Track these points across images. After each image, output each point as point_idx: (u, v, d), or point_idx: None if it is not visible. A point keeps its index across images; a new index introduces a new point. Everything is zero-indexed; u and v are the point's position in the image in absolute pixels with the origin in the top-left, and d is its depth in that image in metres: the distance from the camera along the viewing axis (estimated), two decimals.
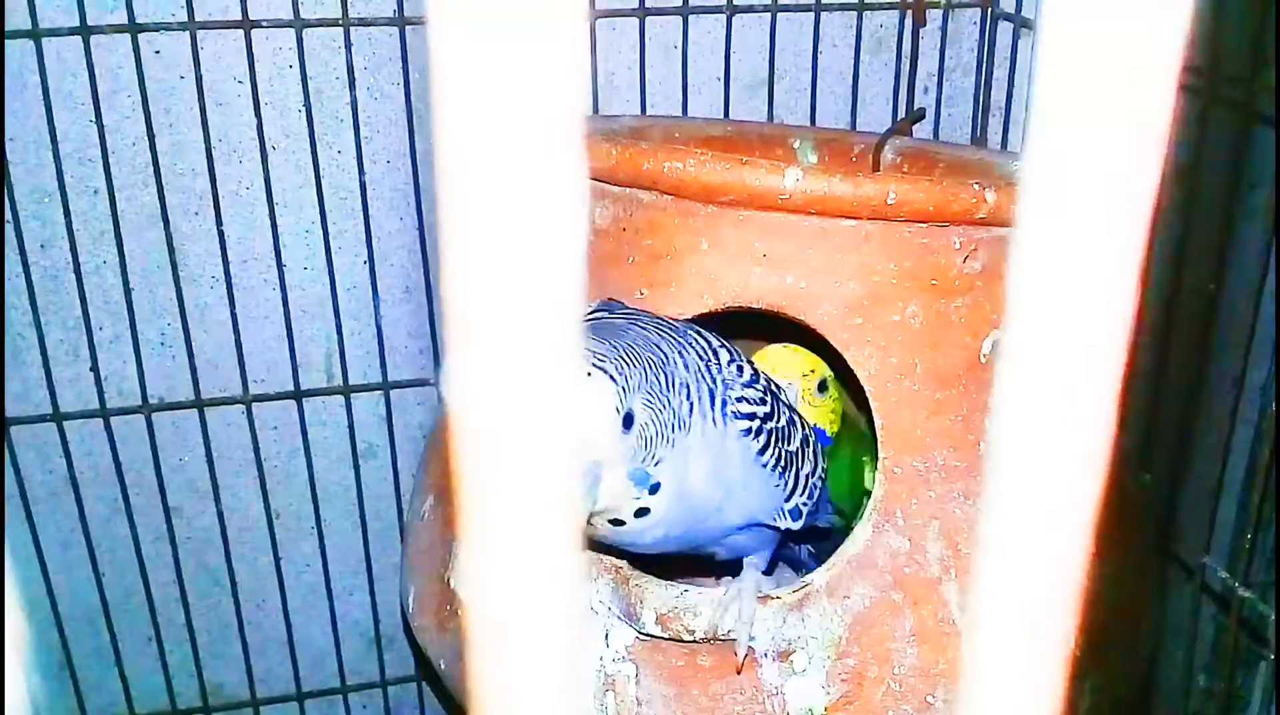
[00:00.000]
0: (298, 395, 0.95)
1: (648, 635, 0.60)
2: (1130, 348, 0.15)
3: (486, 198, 0.13)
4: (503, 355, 0.14)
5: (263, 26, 0.84)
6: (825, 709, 0.60)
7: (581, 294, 0.14)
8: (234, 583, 0.99)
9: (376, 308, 0.93)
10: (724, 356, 0.58)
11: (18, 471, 0.91)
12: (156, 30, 0.83)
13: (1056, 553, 0.16)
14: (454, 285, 0.14)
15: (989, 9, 0.95)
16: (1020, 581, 0.16)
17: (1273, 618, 0.75)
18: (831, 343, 0.63)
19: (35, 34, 0.80)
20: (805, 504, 0.61)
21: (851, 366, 0.62)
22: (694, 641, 0.59)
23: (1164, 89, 0.13)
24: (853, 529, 0.63)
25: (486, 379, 0.14)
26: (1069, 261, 0.14)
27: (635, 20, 0.90)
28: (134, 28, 0.82)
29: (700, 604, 0.58)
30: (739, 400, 0.56)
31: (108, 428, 0.91)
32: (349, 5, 0.85)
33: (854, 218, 0.61)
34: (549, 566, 0.14)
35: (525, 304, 0.14)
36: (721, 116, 0.93)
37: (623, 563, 0.62)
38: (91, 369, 0.90)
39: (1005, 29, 0.95)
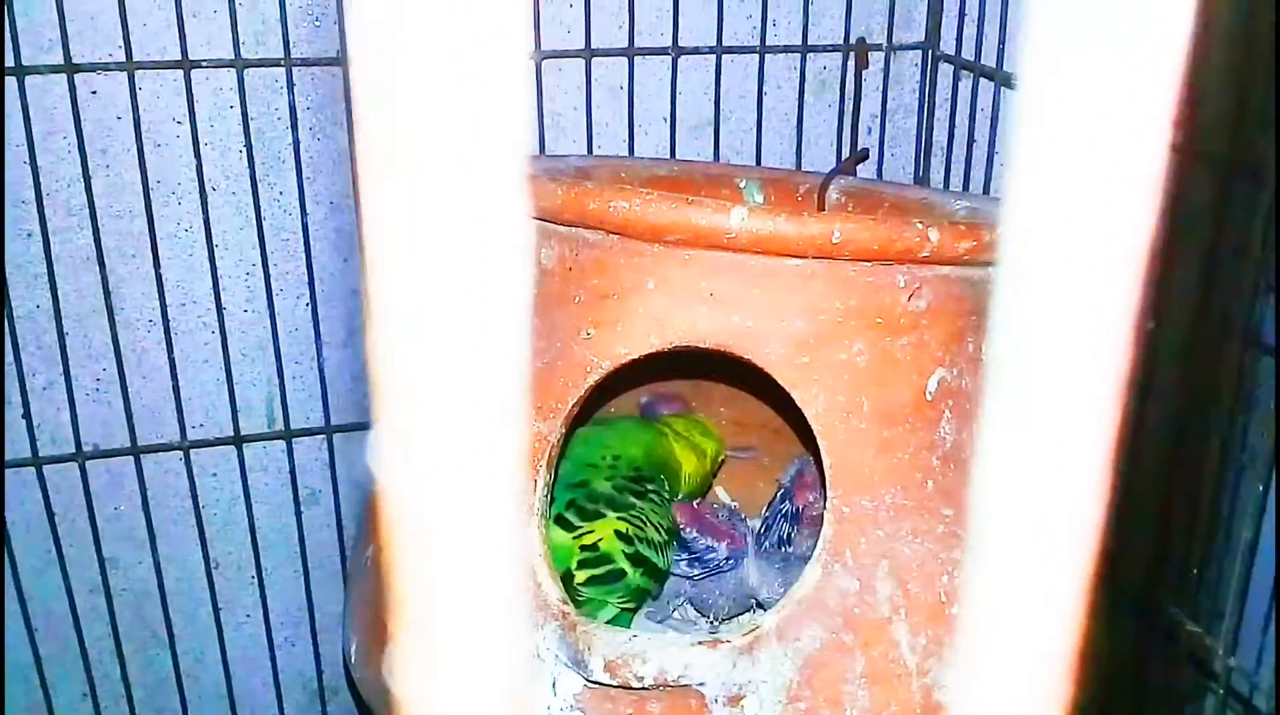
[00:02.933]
0: (238, 440, 0.93)
1: (596, 683, 0.58)
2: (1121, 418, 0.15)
3: (419, 249, 0.13)
4: (438, 427, 0.13)
5: (203, 67, 0.83)
6: None
7: (526, 355, 0.13)
8: (171, 635, 0.96)
9: (319, 350, 0.92)
10: None
11: None
12: (94, 70, 0.82)
13: (1053, 591, 0.16)
14: (382, 344, 0.13)
15: (930, 51, 0.97)
16: (1008, 663, 0.16)
17: (1220, 650, 0.76)
18: (779, 381, 0.62)
19: (19, 69, 0.79)
20: None
21: (799, 405, 0.62)
22: (643, 688, 0.58)
23: (1154, 142, 0.12)
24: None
25: (419, 457, 0.13)
26: (1052, 322, 0.13)
27: (581, 61, 0.90)
28: (70, 68, 0.80)
29: (649, 650, 0.57)
30: None
31: (40, 476, 0.88)
32: (291, 45, 0.84)
33: (800, 257, 0.61)
34: (489, 658, 0.14)
35: (463, 367, 0.13)
36: (668, 156, 0.93)
37: (569, 608, 0.61)
38: (24, 416, 0.88)
39: (946, 70, 0.96)
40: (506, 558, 0.14)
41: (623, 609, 0.70)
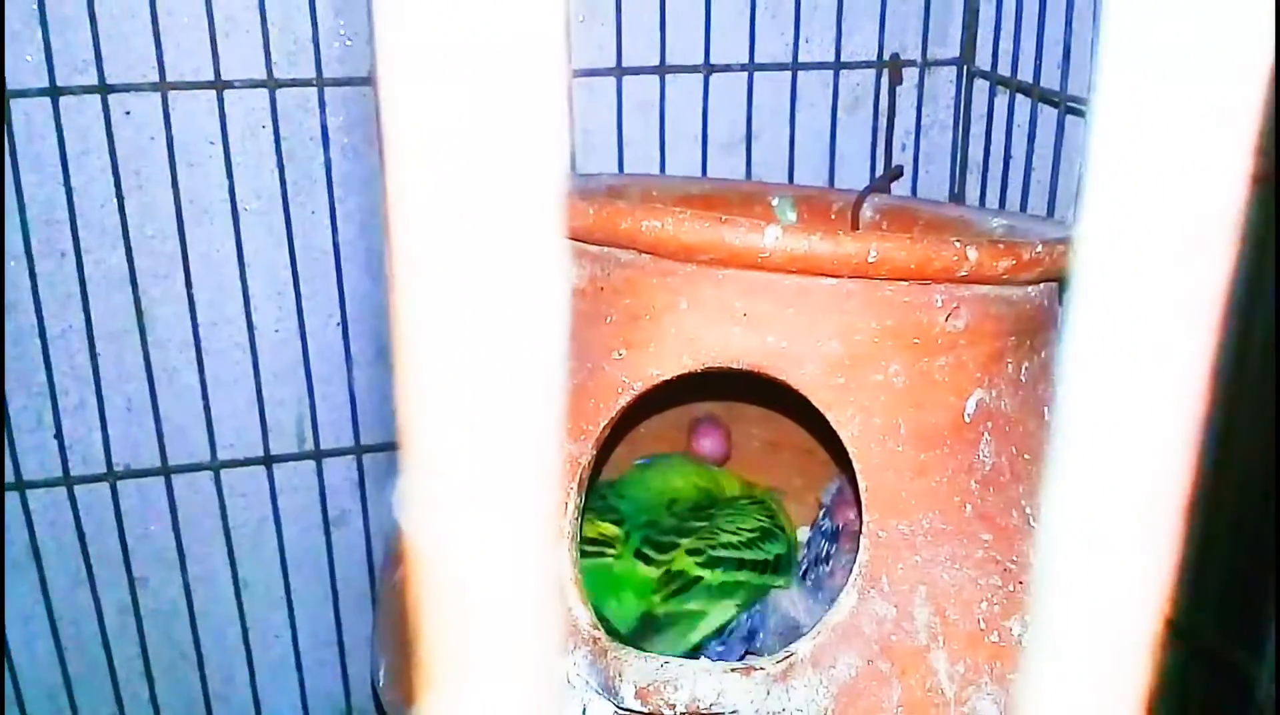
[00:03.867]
0: (268, 461, 0.92)
1: (626, 710, 0.57)
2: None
3: (450, 273, 0.12)
4: (469, 475, 0.12)
5: (235, 87, 0.83)
6: None
7: (562, 380, 0.12)
8: (200, 656, 0.96)
9: (349, 370, 0.91)
10: None
11: None
12: (127, 91, 0.82)
13: (1112, 675, 0.15)
14: (411, 384, 0.12)
15: (965, 67, 0.96)
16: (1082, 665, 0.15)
17: (1263, 678, 0.74)
18: (814, 403, 0.61)
19: (2, 95, 0.79)
20: None
21: (834, 427, 0.61)
22: None
23: (1233, 174, 0.12)
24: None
25: (449, 507, 0.12)
26: (1126, 357, 0.12)
27: (612, 79, 0.89)
28: (104, 88, 0.80)
29: (681, 677, 0.56)
30: None
31: (71, 496, 0.89)
32: (323, 65, 0.84)
33: (835, 276, 0.60)
34: (520, 696, 0.13)
35: (497, 408, 0.12)
36: (699, 175, 0.93)
37: (600, 634, 0.60)
38: (55, 436, 0.88)
39: (982, 86, 0.95)
40: (538, 592, 0.13)
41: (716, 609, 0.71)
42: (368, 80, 0.85)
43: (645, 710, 0.57)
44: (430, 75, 0.11)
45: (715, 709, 0.57)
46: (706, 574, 0.71)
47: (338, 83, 0.85)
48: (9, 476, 0.87)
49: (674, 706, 0.56)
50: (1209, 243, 0.12)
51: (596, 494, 0.76)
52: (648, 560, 0.72)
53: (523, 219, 0.12)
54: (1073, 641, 0.14)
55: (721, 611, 0.71)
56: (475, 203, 0.12)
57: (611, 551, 0.72)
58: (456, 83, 0.12)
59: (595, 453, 0.63)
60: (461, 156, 0.12)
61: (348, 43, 0.86)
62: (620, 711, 0.58)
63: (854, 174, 0.96)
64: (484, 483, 0.12)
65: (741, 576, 0.72)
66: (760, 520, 0.76)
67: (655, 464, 0.83)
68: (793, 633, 0.70)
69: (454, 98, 0.12)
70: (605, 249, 0.64)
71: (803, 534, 0.86)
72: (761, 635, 0.72)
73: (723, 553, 0.72)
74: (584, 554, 0.70)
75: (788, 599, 0.72)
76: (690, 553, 0.72)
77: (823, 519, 0.79)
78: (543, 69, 0.12)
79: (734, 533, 0.74)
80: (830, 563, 0.75)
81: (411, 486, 0.12)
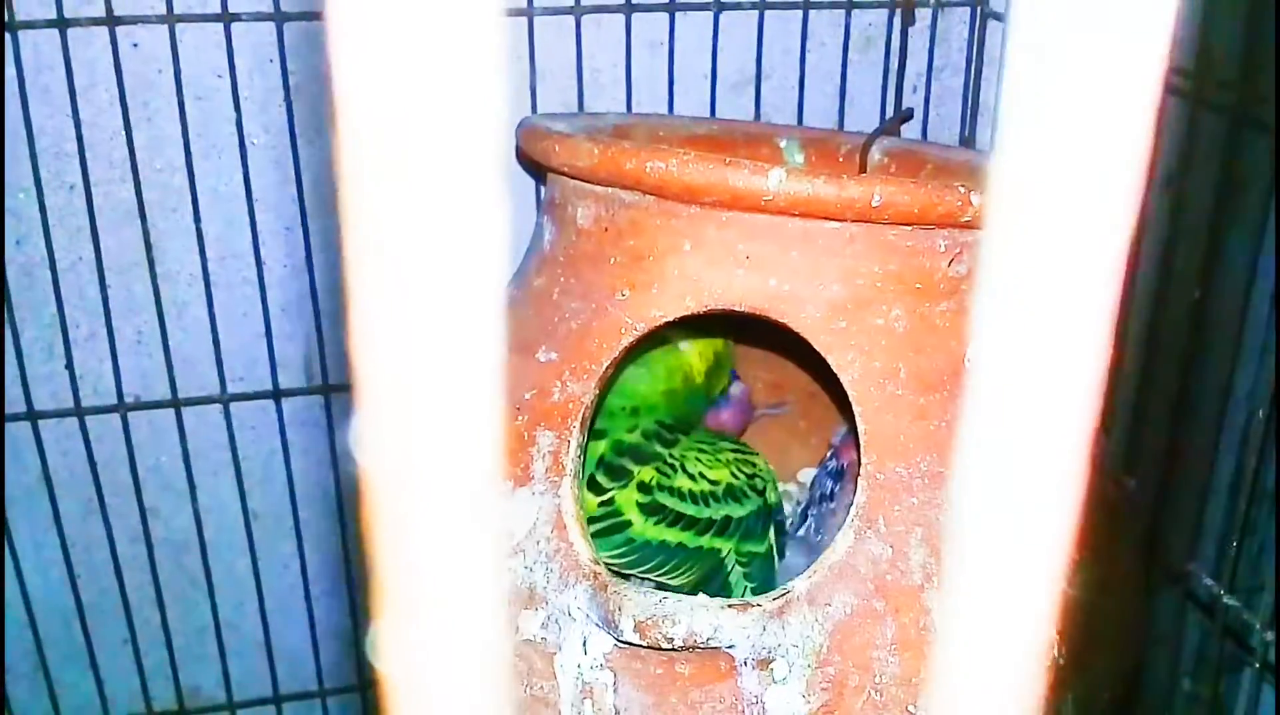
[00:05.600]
0: (276, 395, 0.93)
1: (626, 643, 0.59)
2: (1114, 352, 0.14)
3: (397, 219, 0.12)
4: (418, 408, 0.13)
5: (243, 20, 0.83)
6: None
7: (501, 328, 0.13)
8: (211, 584, 0.98)
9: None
10: None
11: None
12: (134, 23, 0.82)
13: (1034, 560, 0.15)
14: (362, 321, 0.13)
15: (979, 8, 0.95)
16: (995, 591, 0.15)
17: (1257, 625, 0.75)
18: (814, 346, 0.62)
19: (11, 26, 0.79)
20: None
21: (834, 370, 0.61)
22: (673, 649, 0.58)
23: (1146, 88, 0.12)
24: None
25: (401, 441, 0.13)
26: (1042, 263, 0.13)
27: (621, 16, 0.88)
28: (111, 20, 0.80)
29: (679, 611, 0.58)
30: None
31: (83, 426, 0.90)
32: None
33: (838, 220, 0.60)
34: (472, 638, 0.13)
35: (441, 343, 0.13)
36: (708, 115, 0.92)
37: (600, 569, 0.61)
38: (66, 367, 0.89)
39: (995, 28, 0.94)
40: (489, 534, 0.14)
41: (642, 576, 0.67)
42: None
43: (644, 643, 0.58)
44: (375, 17, 0.12)
45: (712, 643, 0.58)
46: (637, 520, 0.67)
47: None
48: (21, 406, 0.88)
49: (671, 640, 0.58)
50: (1121, 149, 0.12)
51: None
52: (598, 488, 0.67)
53: (463, 157, 0.12)
54: (982, 592, 0.15)
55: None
56: (416, 144, 0.12)
57: None
58: (400, 23, 0.12)
59: (598, 392, 0.64)
60: (404, 97, 0.12)
61: None
62: (620, 644, 0.60)
63: (864, 116, 0.96)
64: (431, 416, 0.13)
65: (671, 536, 0.67)
66: (734, 475, 0.70)
67: (644, 361, 0.75)
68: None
69: (397, 40, 0.12)
70: (610, 189, 0.64)
71: (808, 475, 0.87)
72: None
73: (667, 500, 0.68)
74: None
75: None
76: (640, 488, 0.68)
77: (829, 458, 0.80)
78: (478, 10, 0.12)
79: (693, 478, 0.69)
80: (835, 501, 0.76)
81: (365, 422, 0.13)
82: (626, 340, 0.63)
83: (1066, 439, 0.14)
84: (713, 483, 0.69)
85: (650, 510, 0.67)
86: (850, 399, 0.61)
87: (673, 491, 0.68)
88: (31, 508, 0.93)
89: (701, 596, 0.60)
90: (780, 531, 0.72)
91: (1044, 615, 0.15)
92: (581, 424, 0.63)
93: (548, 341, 0.66)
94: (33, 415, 0.88)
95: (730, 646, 0.58)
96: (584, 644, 0.61)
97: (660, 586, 0.65)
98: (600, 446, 0.69)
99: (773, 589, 0.63)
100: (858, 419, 0.61)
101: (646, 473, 0.69)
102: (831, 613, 0.59)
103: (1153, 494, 0.82)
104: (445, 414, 0.13)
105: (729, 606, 0.59)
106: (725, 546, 0.68)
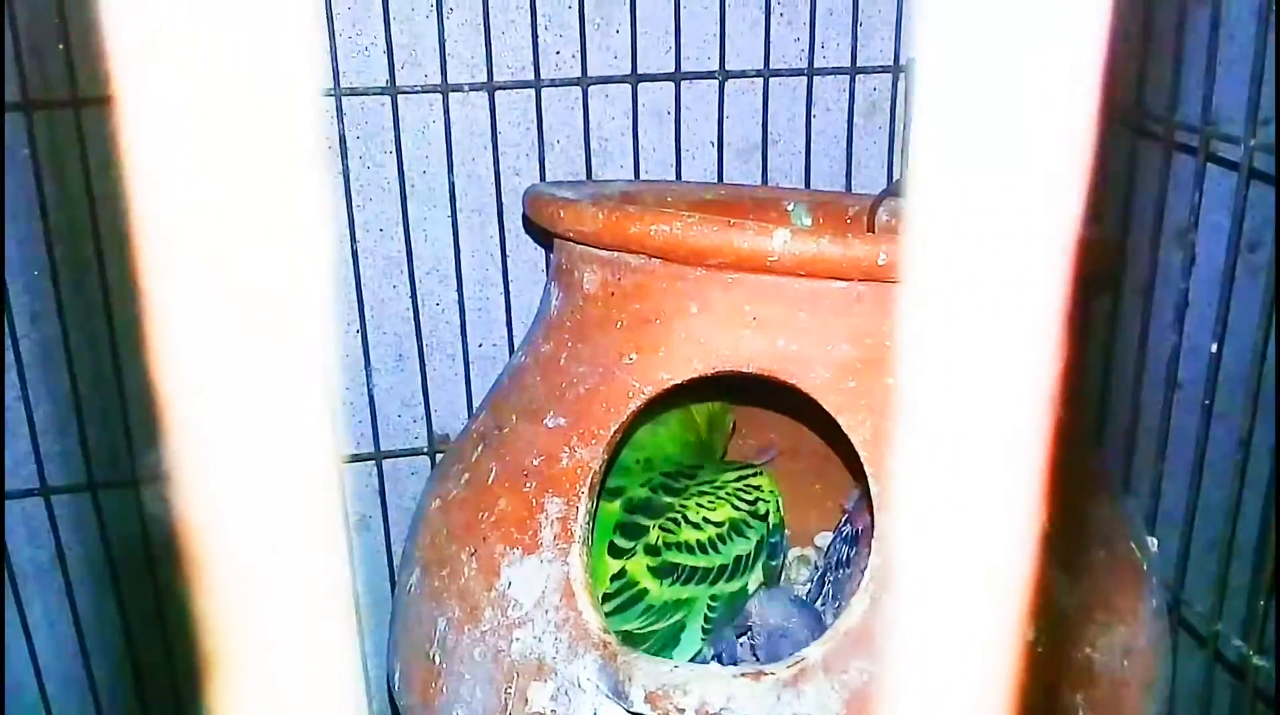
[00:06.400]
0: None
1: (636, 714, 0.57)
2: (1133, 408, 0.14)
3: (202, 206, 0.11)
4: (238, 442, 0.12)
5: None
6: None
7: (333, 337, 0.12)
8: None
9: (369, 377, 0.92)
10: None
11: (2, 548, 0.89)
12: None
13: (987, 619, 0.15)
14: (167, 351, 0.12)
15: None
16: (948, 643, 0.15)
17: None
18: (824, 407, 0.61)
19: (27, 106, 0.80)
20: None
21: (845, 431, 0.61)
22: None
23: (1069, 134, 0.12)
24: None
25: (220, 478, 0.12)
26: (962, 317, 0.12)
27: (627, 86, 0.89)
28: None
29: (691, 681, 0.56)
30: None
31: (95, 502, 0.90)
32: (340, 75, 0.85)
33: (845, 279, 0.60)
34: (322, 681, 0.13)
35: (260, 370, 0.12)
36: (715, 181, 0.93)
37: (611, 638, 0.60)
38: (80, 443, 0.89)
39: None
40: (317, 572, 0.13)
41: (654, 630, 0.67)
42: (385, 90, 0.86)
43: (655, 714, 0.57)
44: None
45: (725, 713, 0.56)
46: (653, 587, 0.67)
47: (355, 92, 0.86)
48: (35, 482, 0.88)
49: (683, 711, 0.56)
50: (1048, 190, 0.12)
51: None
52: (618, 552, 0.68)
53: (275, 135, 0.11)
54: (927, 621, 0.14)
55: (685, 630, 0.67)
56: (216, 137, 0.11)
57: None
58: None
59: (606, 457, 0.63)
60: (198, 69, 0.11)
61: (365, 53, 0.86)
62: None
63: (871, 179, 0.96)
64: (249, 451, 0.12)
65: (687, 593, 0.67)
66: (736, 508, 0.71)
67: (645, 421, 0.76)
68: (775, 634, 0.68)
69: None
70: (615, 254, 0.64)
71: (823, 539, 0.86)
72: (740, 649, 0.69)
73: (677, 558, 0.68)
74: None
75: (756, 607, 0.68)
76: (648, 551, 0.68)
77: (844, 524, 0.79)
78: None
79: (698, 526, 0.69)
80: (850, 566, 0.75)
81: (176, 460, 0.12)
82: (634, 404, 0.63)
83: (1005, 476, 0.13)
84: (717, 525, 0.70)
85: (663, 572, 0.68)
86: (862, 460, 0.60)
87: (679, 547, 0.68)
88: (46, 586, 0.93)
89: (714, 666, 0.59)
90: (773, 556, 0.72)
91: (993, 652, 0.14)
92: (590, 490, 0.63)
93: (556, 407, 0.65)
94: (46, 491, 0.88)
95: None
96: None
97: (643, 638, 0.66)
98: (614, 507, 0.70)
99: (733, 622, 0.64)
100: (870, 480, 0.60)
101: (653, 534, 0.69)
102: (848, 681, 0.58)
103: (1177, 554, 0.81)
104: (266, 448, 0.12)
105: (742, 675, 0.57)
106: (738, 585, 0.69)
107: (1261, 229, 0.93)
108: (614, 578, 0.67)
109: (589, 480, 0.62)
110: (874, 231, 0.84)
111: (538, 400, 0.67)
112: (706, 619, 0.68)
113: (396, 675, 0.70)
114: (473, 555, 0.65)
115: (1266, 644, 0.74)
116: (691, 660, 0.67)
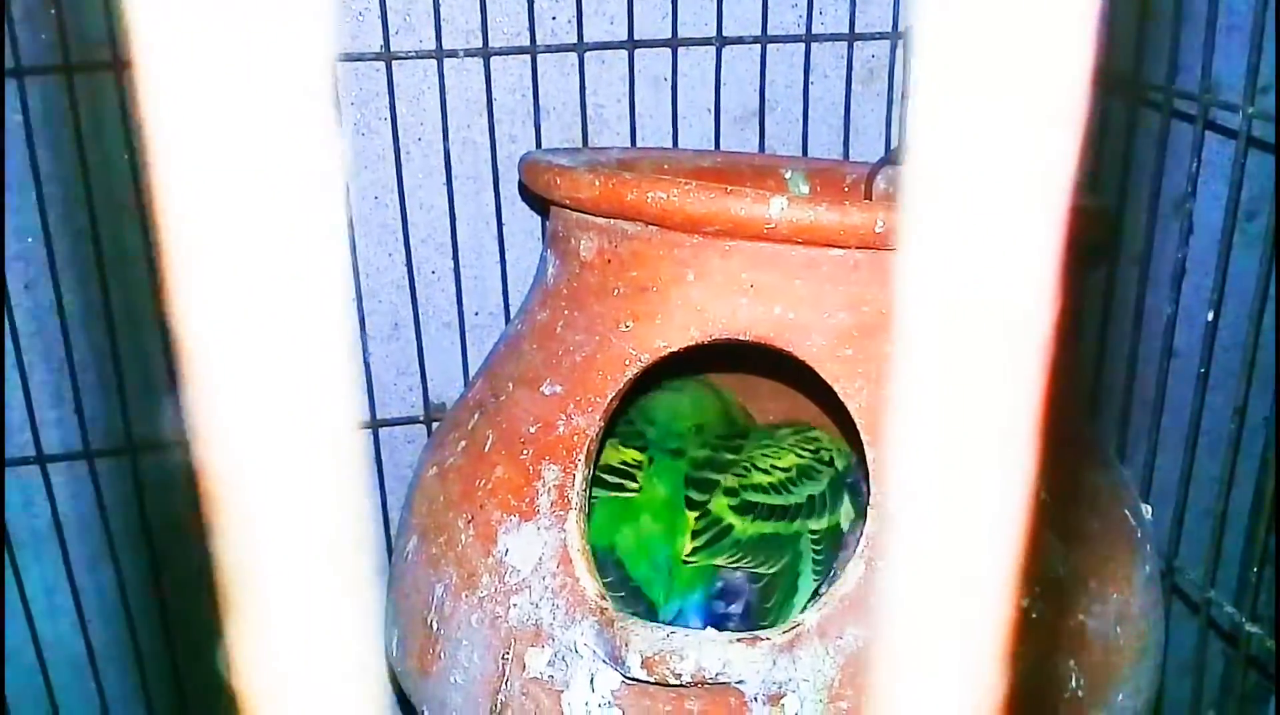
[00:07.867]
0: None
1: (633, 679, 0.58)
2: (1128, 375, 0.14)
3: (217, 169, 0.11)
4: (255, 386, 0.12)
5: None
6: None
7: (346, 292, 0.12)
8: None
9: (364, 345, 0.92)
10: None
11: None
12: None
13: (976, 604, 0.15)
14: (184, 298, 0.12)
15: None
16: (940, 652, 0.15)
17: None
18: (821, 375, 0.61)
19: (18, 71, 0.80)
20: None
21: (841, 399, 0.61)
22: (681, 686, 0.57)
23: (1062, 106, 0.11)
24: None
25: (237, 422, 0.12)
26: (961, 279, 0.12)
27: (624, 53, 0.89)
28: (117, 64, 0.81)
29: (686, 646, 0.57)
30: None
31: (92, 470, 0.90)
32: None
33: (842, 247, 0.59)
34: (325, 650, 0.13)
35: (276, 311, 0.12)
36: (712, 148, 0.92)
37: (607, 604, 0.60)
38: (76, 411, 0.89)
39: None
40: (331, 517, 0.13)
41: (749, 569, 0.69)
42: (380, 55, 0.85)
43: (651, 679, 0.57)
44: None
45: (721, 678, 0.57)
46: (737, 522, 0.69)
47: (349, 58, 0.85)
48: (31, 450, 0.88)
49: (679, 676, 0.57)
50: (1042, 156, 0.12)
51: (624, 418, 0.76)
52: (692, 504, 0.70)
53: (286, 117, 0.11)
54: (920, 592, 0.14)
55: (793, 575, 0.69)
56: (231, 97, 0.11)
57: (633, 486, 0.71)
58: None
59: (603, 425, 0.63)
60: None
61: (359, 17, 0.86)
62: (627, 681, 0.59)
63: (869, 146, 0.95)
64: (268, 396, 0.12)
65: (769, 528, 0.70)
66: (800, 456, 0.74)
67: (684, 387, 0.81)
68: None
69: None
70: (612, 221, 0.64)
71: None
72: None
73: (755, 497, 0.71)
74: (604, 484, 0.70)
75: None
76: (726, 493, 0.71)
77: None
78: None
79: (767, 471, 0.72)
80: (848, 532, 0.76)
81: (194, 406, 0.12)
82: (631, 372, 0.63)
83: (1001, 449, 0.13)
84: (785, 470, 0.73)
85: (743, 510, 0.70)
86: (858, 428, 0.61)
87: (755, 488, 0.71)
88: (42, 554, 0.93)
89: (709, 631, 0.59)
90: (855, 493, 0.74)
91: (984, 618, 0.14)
92: (587, 457, 0.63)
93: (552, 375, 0.65)
94: (42, 459, 0.88)
95: (740, 682, 0.57)
96: (591, 681, 0.60)
97: (754, 577, 0.68)
98: (682, 465, 0.73)
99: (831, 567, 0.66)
100: (865, 448, 0.60)
101: (728, 480, 0.72)
102: (843, 645, 0.58)
103: (1170, 522, 0.81)
104: (284, 392, 0.12)
105: (737, 640, 0.58)
106: (818, 523, 0.71)
107: (1259, 199, 0.93)
108: (699, 518, 0.70)
109: (585, 447, 0.62)
110: (872, 199, 0.83)
111: (534, 368, 0.66)
112: (815, 557, 0.70)
113: (394, 641, 0.70)
114: (470, 522, 0.65)
115: (1259, 611, 0.75)
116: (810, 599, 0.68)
